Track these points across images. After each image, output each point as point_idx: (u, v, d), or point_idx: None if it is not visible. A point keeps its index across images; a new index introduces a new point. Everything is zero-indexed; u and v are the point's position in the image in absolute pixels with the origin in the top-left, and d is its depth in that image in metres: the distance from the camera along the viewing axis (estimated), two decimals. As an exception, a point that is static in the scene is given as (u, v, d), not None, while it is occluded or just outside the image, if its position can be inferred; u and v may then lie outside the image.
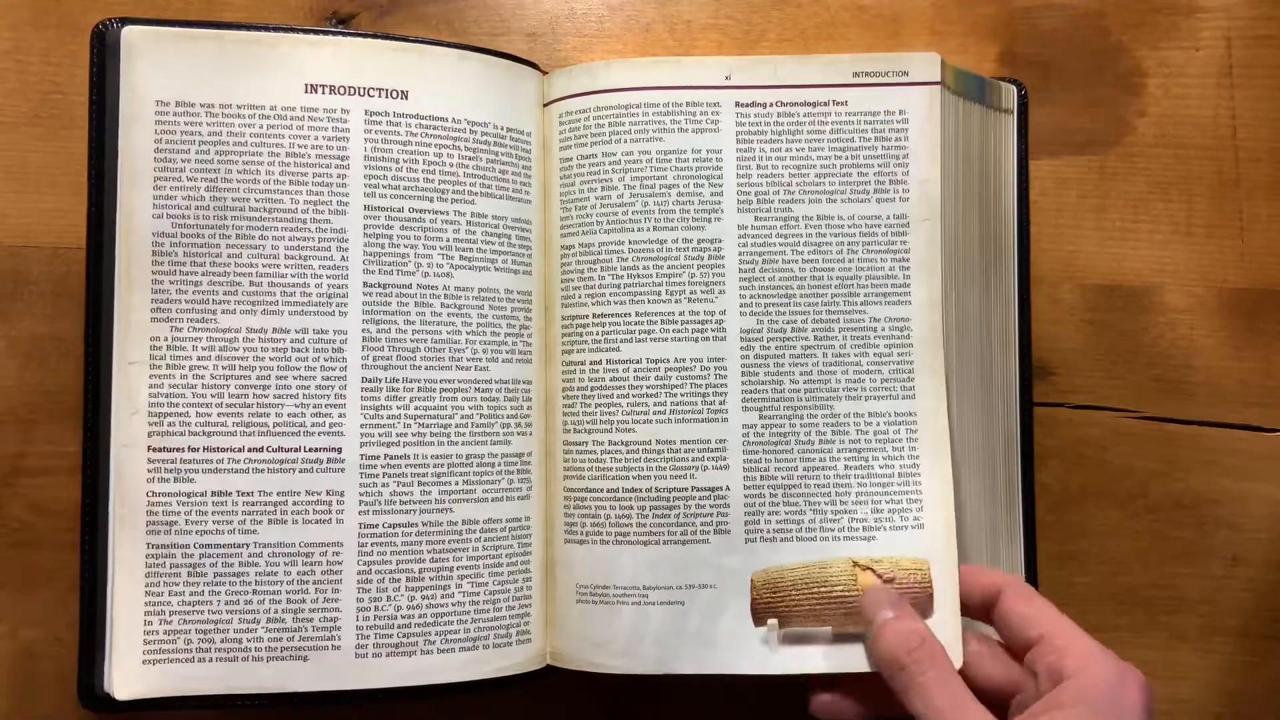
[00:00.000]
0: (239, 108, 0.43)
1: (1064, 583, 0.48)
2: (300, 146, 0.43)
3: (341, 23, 0.49)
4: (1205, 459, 0.49)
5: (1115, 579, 0.49)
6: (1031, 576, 0.47)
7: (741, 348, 0.44)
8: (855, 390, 0.44)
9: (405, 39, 0.45)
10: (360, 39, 0.44)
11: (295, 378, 0.43)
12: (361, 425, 0.43)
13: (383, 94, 0.44)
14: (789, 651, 0.42)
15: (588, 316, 0.44)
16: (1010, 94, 0.48)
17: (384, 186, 0.44)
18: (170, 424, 0.42)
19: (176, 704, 0.42)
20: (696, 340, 0.44)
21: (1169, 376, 0.49)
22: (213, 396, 0.42)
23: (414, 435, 0.43)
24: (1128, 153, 0.50)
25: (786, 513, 0.43)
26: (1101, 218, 0.50)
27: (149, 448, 0.42)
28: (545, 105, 0.46)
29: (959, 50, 0.50)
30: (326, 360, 0.43)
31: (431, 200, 0.44)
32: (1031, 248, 0.48)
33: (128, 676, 0.41)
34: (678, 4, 0.50)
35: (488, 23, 0.49)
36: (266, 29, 0.44)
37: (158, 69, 0.43)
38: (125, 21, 0.42)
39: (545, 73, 0.46)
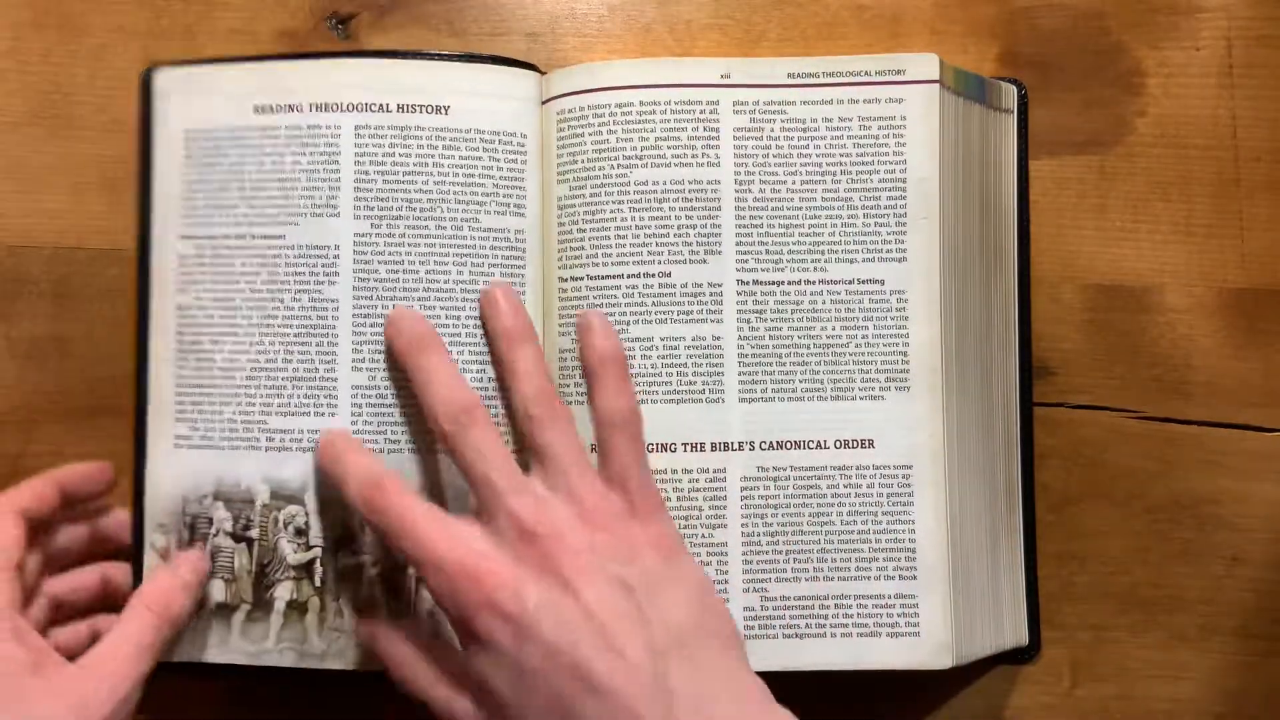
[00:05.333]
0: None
1: (1064, 582, 0.48)
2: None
3: (342, 23, 0.49)
4: (1205, 459, 0.49)
5: (1115, 579, 0.49)
6: (1031, 576, 0.47)
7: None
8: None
9: (422, 55, 0.46)
10: (360, 59, 0.45)
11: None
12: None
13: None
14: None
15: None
16: (1010, 94, 0.48)
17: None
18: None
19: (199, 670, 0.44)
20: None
21: (1169, 376, 0.49)
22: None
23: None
24: (1128, 153, 0.50)
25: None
26: (1101, 218, 0.50)
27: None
28: (543, 103, 0.46)
29: (959, 50, 0.50)
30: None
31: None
32: (1031, 248, 0.48)
33: None
34: (678, 4, 0.50)
35: (488, 22, 0.49)
36: (274, 59, 0.46)
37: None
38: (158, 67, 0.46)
39: (544, 73, 0.46)
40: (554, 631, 0.35)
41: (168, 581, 0.41)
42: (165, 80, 0.45)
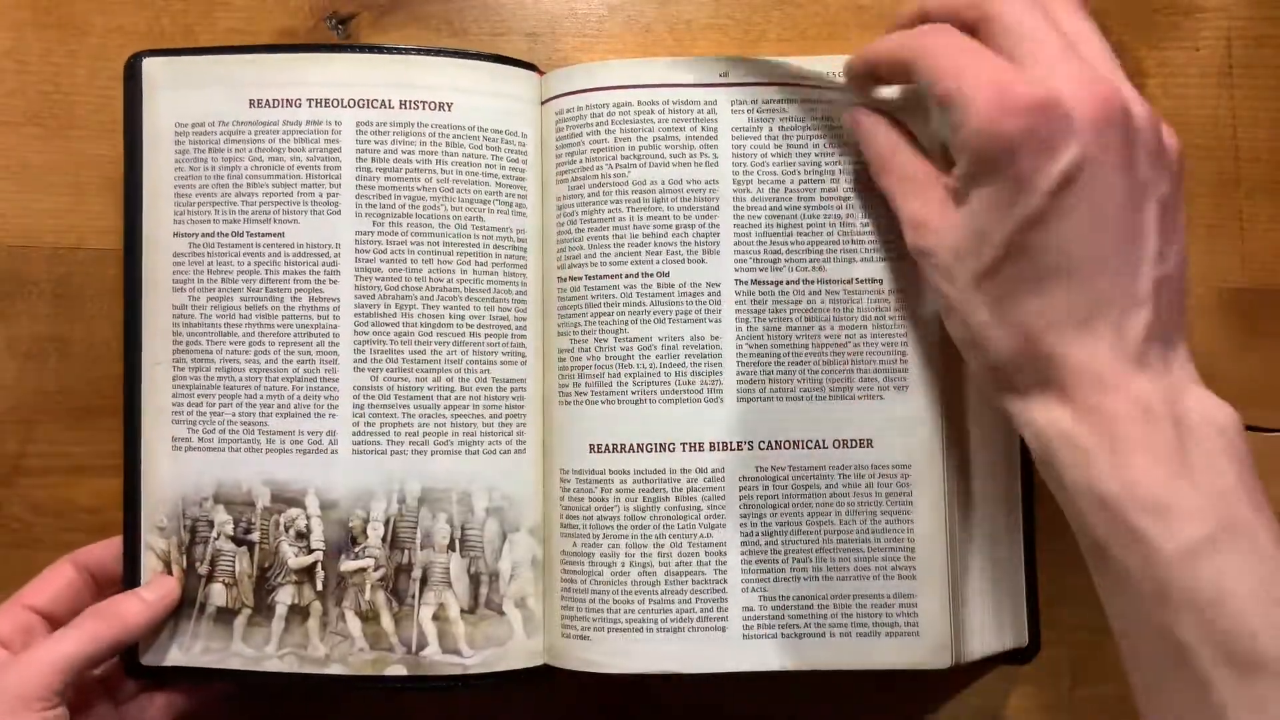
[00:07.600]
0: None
1: (1063, 583, 0.48)
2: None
3: (341, 23, 0.49)
4: (1205, 459, 0.49)
5: (1115, 579, 0.48)
6: (1031, 576, 0.47)
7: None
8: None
9: (422, 51, 0.45)
10: (359, 54, 0.45)
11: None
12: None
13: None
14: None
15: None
16: (1010, 94, 0.48)
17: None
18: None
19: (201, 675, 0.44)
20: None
21: (1169, 376, 0.49)
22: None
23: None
24: (1128, 152, 0.50)
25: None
26: (1101, 218, 0.49)
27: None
28: (542, 104, 0.46)
29: (959, 50, 0.49)
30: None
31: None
32: (1031, 247, 0.48)
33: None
34: (678, 4, 0.50)
35: (488, 22, 0.49)
36: (268, 50, 0.45)
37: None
38: (145, 54, 0.45)
39: (543, 73, 0.46)
40: None
41: (131, 597, 0.42)
42: (153, 70, 0.45)
